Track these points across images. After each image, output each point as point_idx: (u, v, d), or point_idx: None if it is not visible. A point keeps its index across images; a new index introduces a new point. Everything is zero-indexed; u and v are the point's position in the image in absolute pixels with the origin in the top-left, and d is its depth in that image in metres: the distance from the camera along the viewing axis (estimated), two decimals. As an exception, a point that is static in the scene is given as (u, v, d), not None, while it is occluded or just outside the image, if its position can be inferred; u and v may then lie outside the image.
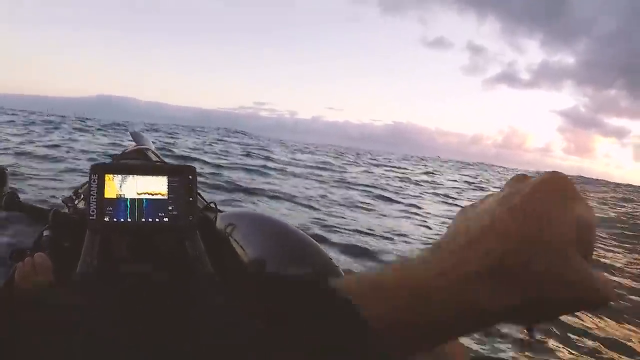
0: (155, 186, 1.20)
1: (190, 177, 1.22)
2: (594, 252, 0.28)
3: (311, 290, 0.27)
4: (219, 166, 9.62)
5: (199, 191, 1.28)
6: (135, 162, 1.50)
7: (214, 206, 1.38)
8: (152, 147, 1.75)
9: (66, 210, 1.54)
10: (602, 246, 6.65)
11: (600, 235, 7.33)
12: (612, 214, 12.33)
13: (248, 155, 14.17)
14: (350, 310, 0.24)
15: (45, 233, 1.48)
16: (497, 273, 0.25)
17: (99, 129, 17.42)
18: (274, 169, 10.86)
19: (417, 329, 0.26)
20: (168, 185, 1.21)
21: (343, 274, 1.09)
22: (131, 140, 1.86)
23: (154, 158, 1.64)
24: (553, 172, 0.28)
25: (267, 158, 13.84)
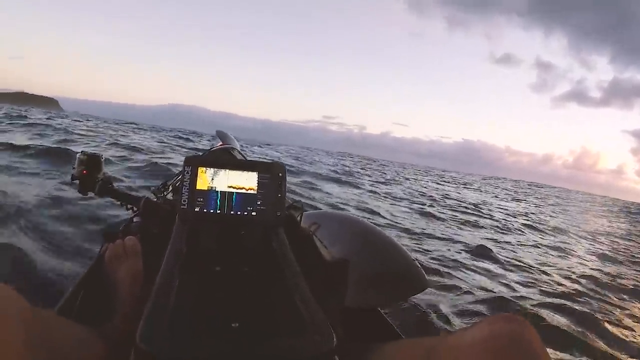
0: (246, 181, 1.23)
1: (280, 174, 1.24)
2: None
3: None
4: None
5: (286, 191, 1.30)
6: (228, 158, 1.55)
7: (299, 205, 1.40)
8: (238, 146, 1.81)
9: (156, 200, 1.62)
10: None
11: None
12: None
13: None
14: None
15: (136, 219, 1.57)
16: None
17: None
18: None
19: None
20: (258, 181, 1.23)
21: (426, 276, 1.05)
22: (216, 139, 1.94)
23: (239, 157, 1.69)
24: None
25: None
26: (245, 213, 1.21)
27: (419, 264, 1.05)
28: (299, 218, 1.34)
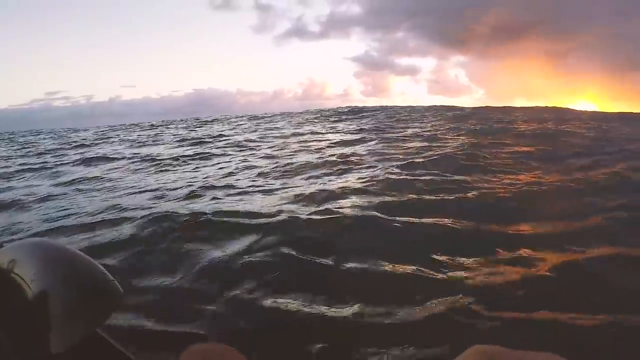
0: None
1: None
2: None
3: None
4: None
5: None
6: None
7: None
8: None
9: None
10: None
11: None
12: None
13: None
14: None
15: None
16: None
17: None
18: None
19: None
20: None
21: (120, 289, 1.12)
22: None
23: None
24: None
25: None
26: None
27: (112, 276, 1.09)
28: None
